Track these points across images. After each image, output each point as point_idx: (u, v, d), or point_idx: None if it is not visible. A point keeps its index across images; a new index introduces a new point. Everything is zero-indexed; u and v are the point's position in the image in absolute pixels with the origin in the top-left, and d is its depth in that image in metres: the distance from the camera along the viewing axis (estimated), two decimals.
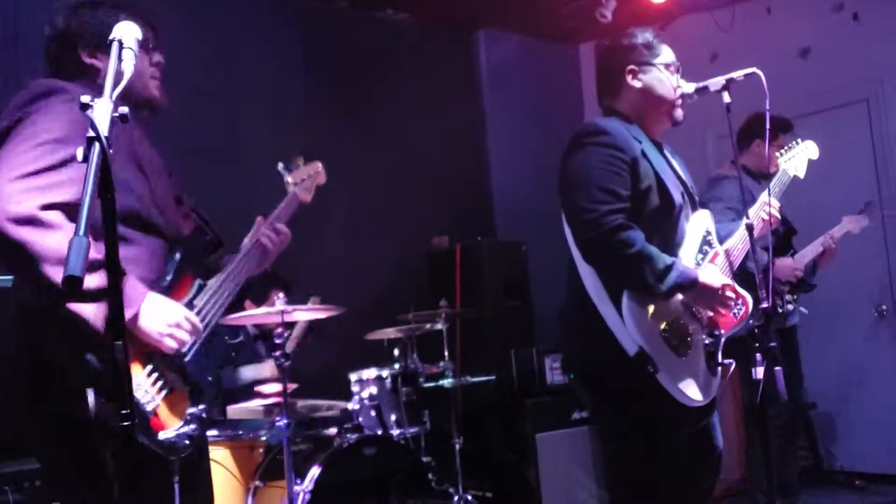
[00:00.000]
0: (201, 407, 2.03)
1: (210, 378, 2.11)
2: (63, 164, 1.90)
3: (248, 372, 4.12)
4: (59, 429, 1.95)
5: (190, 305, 2.14)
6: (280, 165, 2.76)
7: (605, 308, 2.42)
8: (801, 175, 3.08)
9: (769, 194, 2.79)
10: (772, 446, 4.00)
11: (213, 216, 2.51)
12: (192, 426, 1.99)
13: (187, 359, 2.08)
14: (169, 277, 2.12)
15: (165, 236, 2.16)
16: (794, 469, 4.35)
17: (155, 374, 1.99)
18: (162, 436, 1.93)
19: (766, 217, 2.77)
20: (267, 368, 4.36)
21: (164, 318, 1.96)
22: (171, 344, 1.97)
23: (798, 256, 4.25)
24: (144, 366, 1.98)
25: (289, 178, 2.74)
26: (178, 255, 2.15)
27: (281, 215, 2.57)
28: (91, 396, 1.84)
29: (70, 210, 1.87)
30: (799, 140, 3.17)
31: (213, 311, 2.19)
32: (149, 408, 1.94)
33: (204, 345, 2.14)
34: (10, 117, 1.97)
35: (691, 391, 2.40)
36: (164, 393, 1.99)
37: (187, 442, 1.96)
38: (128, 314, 1.87)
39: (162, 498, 2.03)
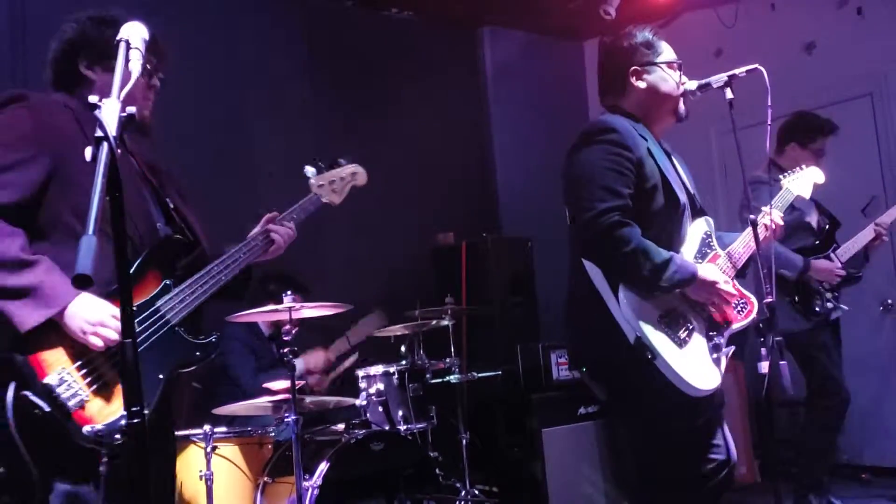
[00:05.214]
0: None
1: (161, 376, 2.13)
2: (8, 167, 2.04)
3: (298, 364, 4.15)
4: None
5: (149, 304, 2.18)
6: (308, 168, 2.72)
7: (609, 298, 2.44)
8: (807, 196, 3.13)
9: (770, 208, 2.80)
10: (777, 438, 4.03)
11: (216, 213, 2.51)
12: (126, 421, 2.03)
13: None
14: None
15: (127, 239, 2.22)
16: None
17: (86, 370, 2.04)
18: (87, 429, 1.97)
19: (769, 224, 2.75)
20: (319, 355, 4.52)
21: (87, 316, 2.01)
22: (95, 342, 2.02)
23: (840, 252, 4.28)
24: (75, 360, 2.04)
25: (314, 180, 2.72)
26: (141, 256, 2.19)
27: (297, 214, 2.59)
28: (11, 391, 1.93)
29: (5, 212, 2.04)
30: (804, 166, 3.23)
31: (177, 311, 2.22)
32: (71, 402, 1.98)
33: (161, 343, 2.17)
34: None
35: (692, 379, 2.39)
36: (94, 387, 2.03)
37: (118, 436, 1.99)
38: (51, 312, 1.98)
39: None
